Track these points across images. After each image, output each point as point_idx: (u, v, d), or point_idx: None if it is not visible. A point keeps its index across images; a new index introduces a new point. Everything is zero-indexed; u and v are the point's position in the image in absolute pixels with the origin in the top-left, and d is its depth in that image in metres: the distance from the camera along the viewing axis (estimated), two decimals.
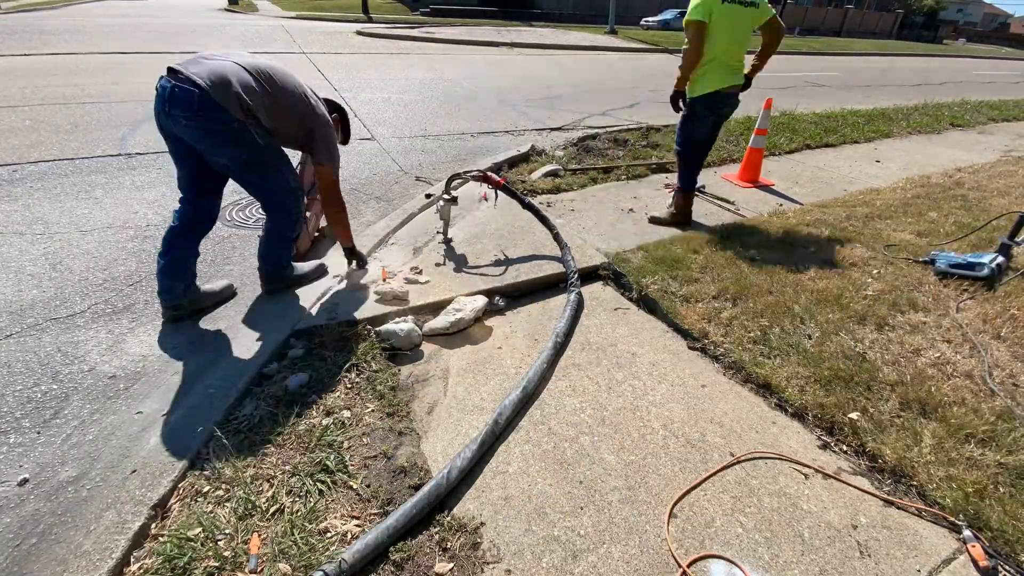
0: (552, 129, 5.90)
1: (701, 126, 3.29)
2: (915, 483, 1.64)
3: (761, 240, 3.24)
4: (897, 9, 40.78)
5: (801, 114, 7.18)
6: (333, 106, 2.63)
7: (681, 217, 3.48)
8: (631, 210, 3.71)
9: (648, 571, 1.40)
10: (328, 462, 1.63)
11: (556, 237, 2.98)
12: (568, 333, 2.38)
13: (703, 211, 3.75)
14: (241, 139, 2.05)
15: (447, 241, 3.08)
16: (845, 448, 1.81)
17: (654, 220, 3.51)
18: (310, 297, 2.47)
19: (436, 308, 2.49)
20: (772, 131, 6.11)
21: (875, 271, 2.86)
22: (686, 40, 3.05)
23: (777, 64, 14.63)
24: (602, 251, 3.05)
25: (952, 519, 1.53)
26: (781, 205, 3.98)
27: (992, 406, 1.89)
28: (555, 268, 2.83)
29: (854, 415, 1.86)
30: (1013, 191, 4.38)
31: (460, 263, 2.85)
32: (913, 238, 3.31)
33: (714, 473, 1.69)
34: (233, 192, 3.69)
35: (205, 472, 1.59)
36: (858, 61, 18.70)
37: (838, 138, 6.09)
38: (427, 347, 2.31)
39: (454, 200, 3.01)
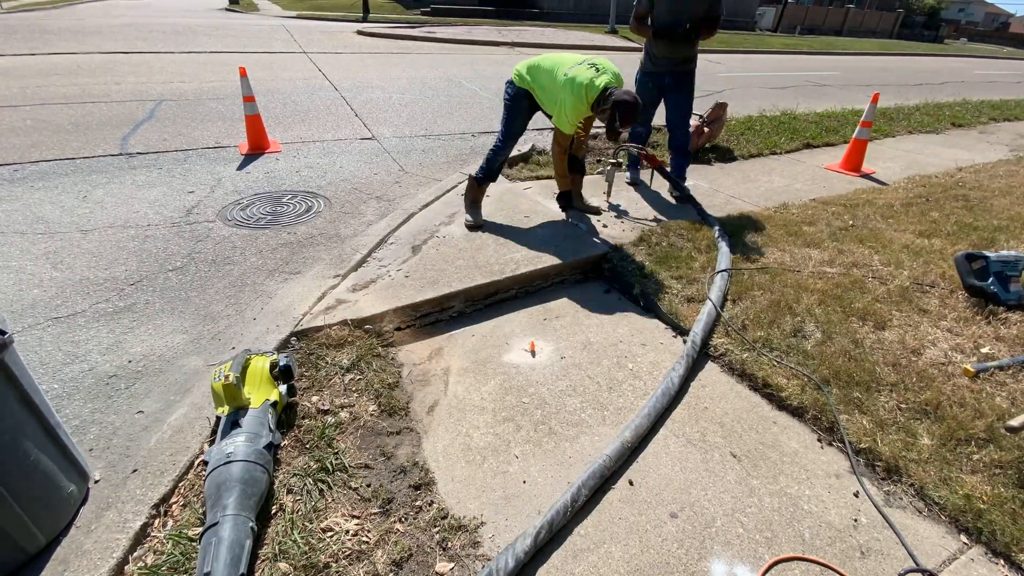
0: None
1: None
2: (915, 483, 1.65)
3: (763, 239, 3.24)
4: (898, 9, 40.70)
5: (802, 114, 7.17)
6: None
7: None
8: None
9: (649, 571, 1.40)
10: (328, 462, 1.63)
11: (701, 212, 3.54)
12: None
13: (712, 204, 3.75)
14: None
15: (608, 202, 3.78)
16: (845, 447, 1.81)
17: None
18: (311, 297, 2.47)
19: (435, 303, 2.49)
20: (772, 130, 6.12)
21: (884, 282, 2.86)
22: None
23: (777, 64, 14.62)
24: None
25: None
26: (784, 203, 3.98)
27: (993, 405, 1.89)
28: (554, 261, 2.83)
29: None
30: (1015, 191, 4.38)
31: (459, 259, 2.85)
32: (914, 238, 3.31)
33: None
34: (233, 192, 3.70)
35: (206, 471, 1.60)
36: (859, 61, 18.67)
37: (839, 138, 6.09)
38: (427, 346, 2.32)
39: (619, 165, 3.85)
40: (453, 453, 1.75)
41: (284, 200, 3.65)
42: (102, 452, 1.68)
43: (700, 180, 4.45)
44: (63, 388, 1.92)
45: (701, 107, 5.70)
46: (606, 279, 2.94)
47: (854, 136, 4.98)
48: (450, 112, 6.37)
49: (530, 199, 3.72)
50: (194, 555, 1.33)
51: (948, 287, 2.70)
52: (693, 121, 5.07)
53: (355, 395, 1.95)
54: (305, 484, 1.57)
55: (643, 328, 2.49)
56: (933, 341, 2.28)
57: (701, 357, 2.25)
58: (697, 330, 2.27)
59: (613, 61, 2.91)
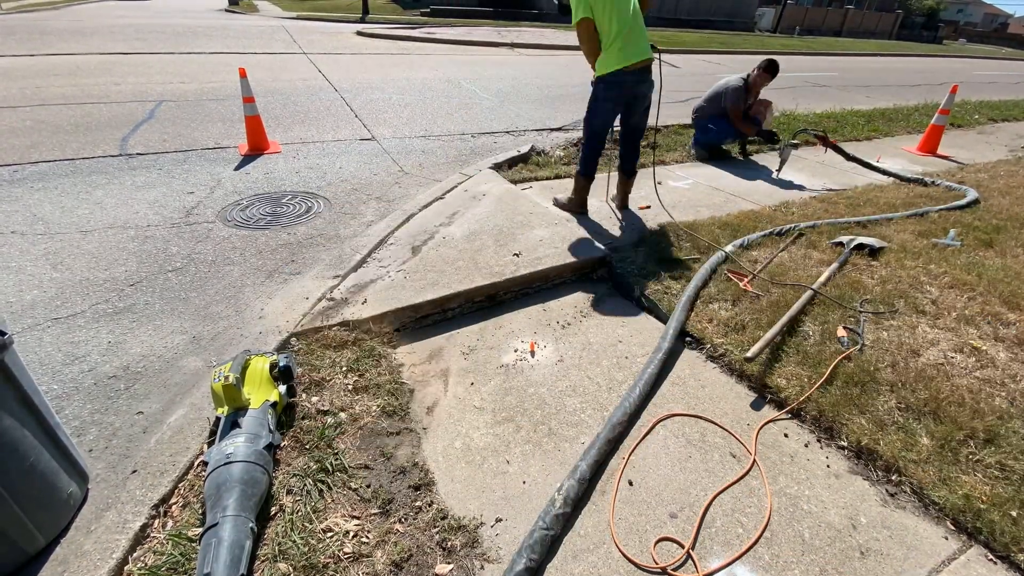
0: (553, 129, 5.90)
1: (601, 110, 3.20)
2: (914, 483, 1.65)
3: (764, 239, 3.24)
4: (897, 10, 40.77)
5: (801, 114, 7.19)
6: None
7: (577, 204, 3.54)
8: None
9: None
10: (328, 462, 1.63)
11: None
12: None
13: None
14: None
15: (778, 173, 4.71)
16: (845, 446, 1.81)
17: (557, 203, 3.65)
18: (311, 297, 2.47)
19: (435, 304, 2.49)
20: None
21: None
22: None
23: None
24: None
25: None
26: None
27: (992, 406, 1.89)
28: (553, 262, 2.83)
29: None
30: (1014, 191, 4.38)
31: (459, 260, 2.85)
32: (913, 239, 3.31)
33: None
34: (233, 192, 3.70)
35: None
36: (858, 62, 18.68)
37: (839, 137, 6.10)
38: (427, 347, 2.32)
39: (795, 146, 4.79)
40: (453, 453, 1.75)
41: (284, 201, 3.65)
42: (102, 453, 1.68)
43: (700, 179, 4.45)
44: (63, 388, 1.91)
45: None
46: (606, 280, 2.94)
47: (932, 122, 5.90)
48: (450, 113, 6.37)
49: (530, 200, 3.72)
50: (194, 556, 1.33)
51: (946, 288, 2.70)
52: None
53: (355, 396, 1.95)
54: (305, 485, 1.56)
55: (643, 328, 2.49)
56: (933, 341, 2.28)
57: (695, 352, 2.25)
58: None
59: None
